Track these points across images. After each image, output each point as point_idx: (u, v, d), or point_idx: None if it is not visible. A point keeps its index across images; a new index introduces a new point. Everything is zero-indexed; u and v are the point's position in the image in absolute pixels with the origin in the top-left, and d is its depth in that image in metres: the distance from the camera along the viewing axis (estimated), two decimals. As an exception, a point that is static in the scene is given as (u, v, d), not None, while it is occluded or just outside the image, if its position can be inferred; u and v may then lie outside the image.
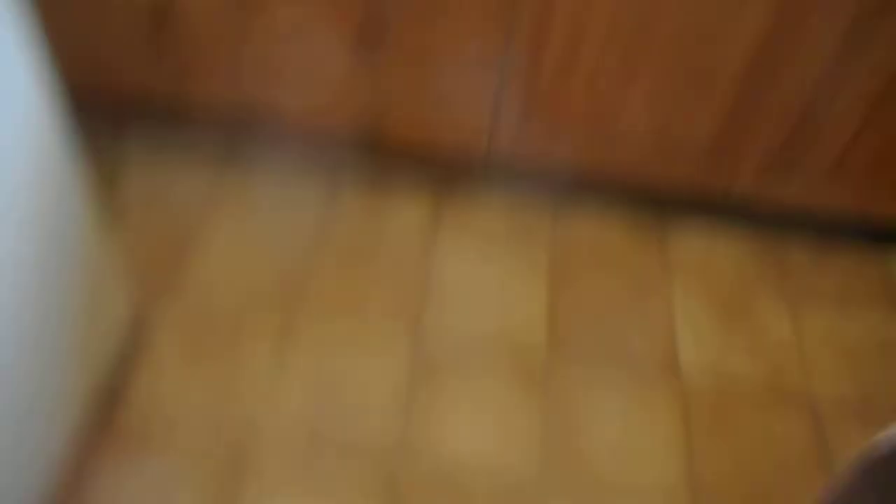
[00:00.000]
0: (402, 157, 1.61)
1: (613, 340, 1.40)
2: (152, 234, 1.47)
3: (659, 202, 1.61)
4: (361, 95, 1.43)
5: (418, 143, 1.52)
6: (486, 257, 1.51)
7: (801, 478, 1.25)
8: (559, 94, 1.37)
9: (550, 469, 1.23)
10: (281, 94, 1.45)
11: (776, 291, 1.51)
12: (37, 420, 1.02)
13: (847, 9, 1.18)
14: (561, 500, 1.20)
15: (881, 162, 1.39)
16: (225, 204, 1.54)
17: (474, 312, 1.42)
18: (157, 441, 1.20)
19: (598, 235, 1.57)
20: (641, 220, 1.61)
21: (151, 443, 1.20)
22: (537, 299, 1.45)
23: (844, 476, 0.63)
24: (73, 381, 1.11)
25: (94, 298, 1.13)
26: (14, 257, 0.89)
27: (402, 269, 1.47)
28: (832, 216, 1.55)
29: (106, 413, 1.22)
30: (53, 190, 0.96)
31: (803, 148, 1.39)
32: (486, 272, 1.49)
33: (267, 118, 1.51)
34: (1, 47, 0.80)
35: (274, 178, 1.59)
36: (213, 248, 1.46)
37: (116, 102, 1.58)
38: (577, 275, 1.50)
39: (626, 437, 1.28)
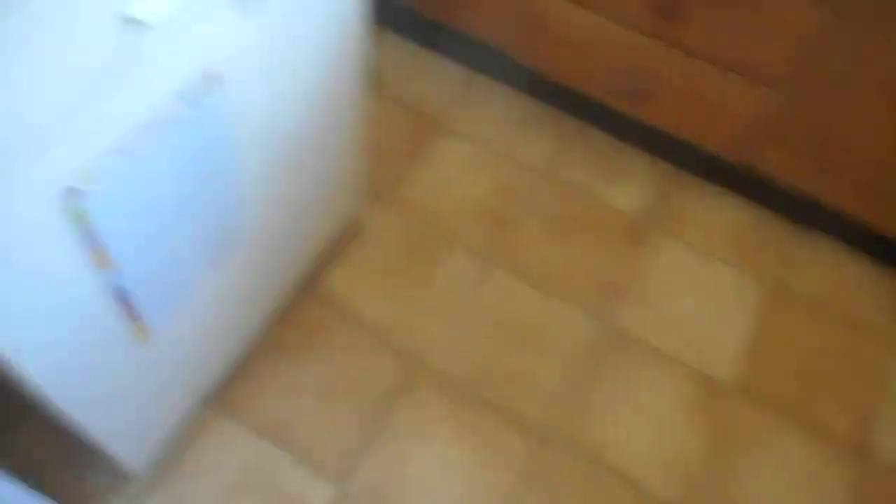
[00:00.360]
0: (647, 136, 1.53)
1: (806, 395, 1.31)
2: (390, 138, 1.53)
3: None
4: (632, 64, 1.35)
5: (669, 129, 1.43)
6: (701, 262, 1.43)
7: None
8: (839, 130, 1.23)
9: (692, 502, 1.20)
10: (546, 43, 1.41)
11: None
12: (266, 275, 1.14)
13: None
14: (693, 531, 1.18)
15: None
16: (463, 129, 1.56)
17: (671, 315, 1.36)
18: (332, 338, 1.29)
19: (829, 277, 1.43)
20: (883, 277, 1.44)
21: (326, 337, 1.29)
22: (742, 323, 1.37)
23: None
24: (297, 250, 1.21)
25: (338, 177, 1.20)
26: (302, 116, 0.97)
27: (611, 245, 1.43)
28: None
29: (297, 298, 1.32)
30: (342, 69, 1.01)
31: None
32: (697, 276, 1.41)
33: (527, 62, 1.49)
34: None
35: (514, 118, 1.58)
36: (440, 168, 1.50)
37: (395, 9, 1.62)
38: (792, 312, 1.39)
39: (784, 502, 1.21)
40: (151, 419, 1.04)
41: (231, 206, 0.91)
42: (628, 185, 1.51)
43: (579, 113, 1.59)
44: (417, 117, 1.56)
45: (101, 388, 0.87)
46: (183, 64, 0.68)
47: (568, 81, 1.49)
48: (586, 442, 1.23)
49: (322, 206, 1.20)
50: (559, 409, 1.26)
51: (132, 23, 0.59)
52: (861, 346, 1.37)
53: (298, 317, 1.30)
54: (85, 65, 0.58)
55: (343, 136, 1.13)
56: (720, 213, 1.50)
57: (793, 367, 1.33)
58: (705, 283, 1.41)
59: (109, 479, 1.12)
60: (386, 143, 1.52)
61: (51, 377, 0.77)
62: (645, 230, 1.46)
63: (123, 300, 0.79)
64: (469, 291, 1.36)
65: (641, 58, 1.34)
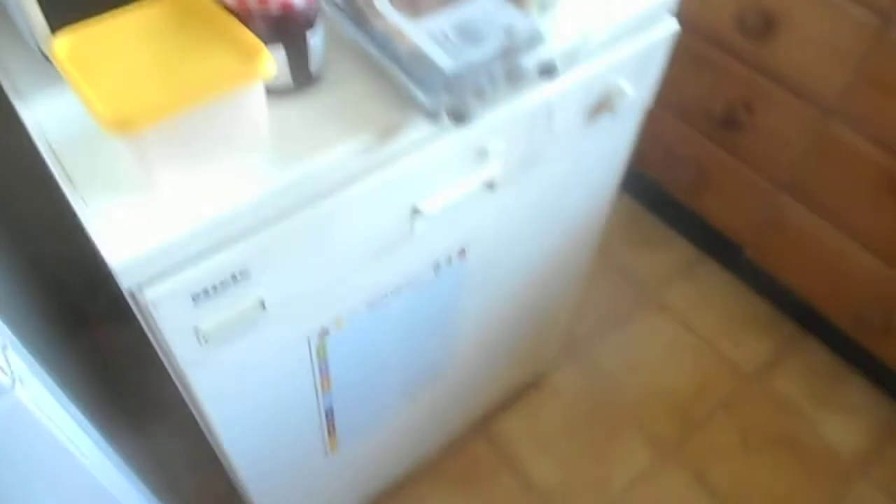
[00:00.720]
0: (878, 370, 1.39)
1: None
2: (599, 297, 1.54)
3: None
4: (875, 294, 1.26)
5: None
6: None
7: None
8: None
9: None
10: (785, 248, 1.36)
11: None
12: (448, 409, 1.18)
13: None
14: None
15: None
16: (676, 309, 1.53)
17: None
18: (490, 482, 1.29)
19: None
20: None
21: (484, 481, 1.29)
22: None
23: None
24: (483, 391, 1.24)
25: (542, 330, 1.23)
26: (530, 278, 1.02)
27: (809, 479, 1.30)
28: None
29: (468, 434, 1.34)
30: (582, 236, 1.06)
31: None
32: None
33: (759, 260, 1.44)
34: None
35: (733, 311, 1.52)
36: (642, 342, 1.47)
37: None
38: None
39: None
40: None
41: (440, 351, 0.97)
42: (845, 416, 1.38)
43: (805, 323, 1.49)
44: (632, 284, 1.56)
45: (282, 478, 0.96)
46: (440, 242, 0.76)
47: (799, 290, 1.41)
48: None
49: (518, 354, 1.24)
50: None
51: (416, 213, 0.67)
52: None
53: (465, 453, 1.32)
54: (373, 240, 0.67)
55: (560, 296, 1.16)
56: (949, 481, 1.31)
57: None
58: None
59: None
60: (593, 301, 1.52)
61: (247, 460, 0.86)
62: (852, 473, 1.32)
63: (329, 417, 0.87)
64: (639, 481, 1.30)
65: (886, 291, 1.24)
